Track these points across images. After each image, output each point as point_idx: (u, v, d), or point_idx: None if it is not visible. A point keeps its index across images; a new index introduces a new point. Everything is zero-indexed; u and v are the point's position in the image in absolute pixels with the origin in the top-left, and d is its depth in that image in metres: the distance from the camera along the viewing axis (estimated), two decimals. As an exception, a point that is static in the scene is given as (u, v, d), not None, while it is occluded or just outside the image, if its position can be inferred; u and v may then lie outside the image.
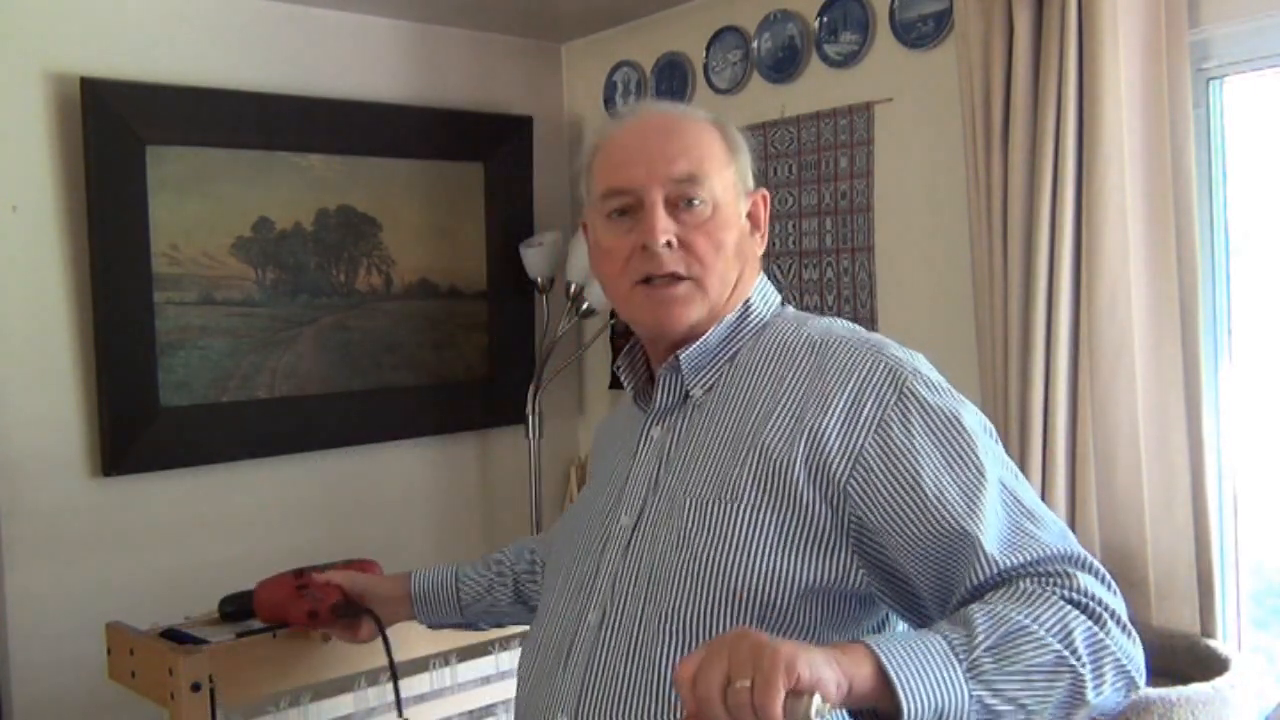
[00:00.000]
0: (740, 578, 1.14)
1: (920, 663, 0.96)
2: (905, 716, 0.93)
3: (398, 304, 3.39)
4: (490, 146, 3.53)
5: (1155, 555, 2.28)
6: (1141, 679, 1.05)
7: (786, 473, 1.15)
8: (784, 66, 3.12)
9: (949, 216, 2.74)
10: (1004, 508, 1.10)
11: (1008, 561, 1.06)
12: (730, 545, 1.15)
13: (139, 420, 2.90)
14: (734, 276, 1.26)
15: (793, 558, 1.14)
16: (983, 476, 1.11)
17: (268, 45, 3.16)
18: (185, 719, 1.77)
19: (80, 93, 2.79)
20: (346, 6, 3.25)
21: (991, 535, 1.07)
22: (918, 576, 1.11)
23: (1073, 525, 2.36)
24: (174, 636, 1.95)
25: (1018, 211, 2.40)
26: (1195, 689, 2.00)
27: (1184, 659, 2.20)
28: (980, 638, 0.99)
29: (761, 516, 1.15)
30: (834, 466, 1.14)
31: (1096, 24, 2.26)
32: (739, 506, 1.16)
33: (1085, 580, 1.05)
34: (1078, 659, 1.00)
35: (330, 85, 3.25)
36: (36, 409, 2.80)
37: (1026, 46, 2.38)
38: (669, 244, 1.21)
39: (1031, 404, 2.36)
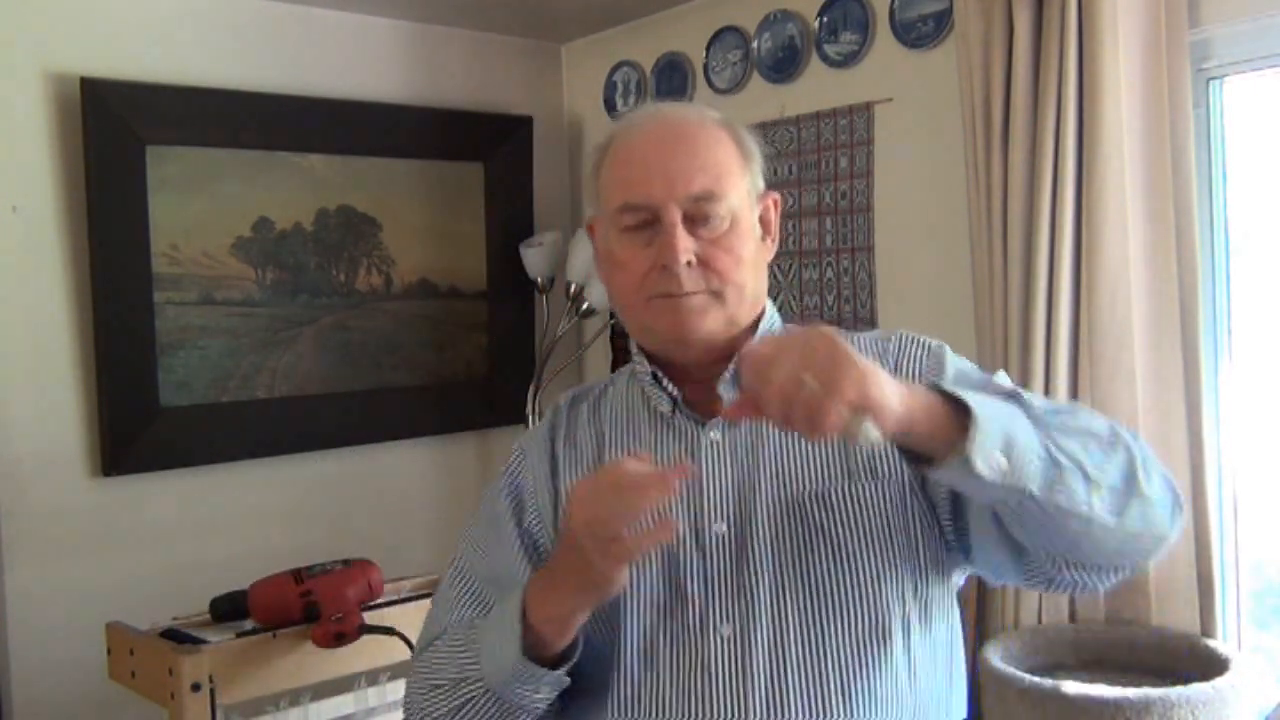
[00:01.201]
0: (885, 558, 1.17)
1: (986, 402, 1.00)
2: (974, 428, 0.95)
3: (398, 304, 3.39)
4: (490, 146, 3.53)
5: (1155, 555, 2.28)
6: (1182, 504, 1.12)
7: (878, 451, 1.21)
8: (784, 66, 3.12)
9: (949, 216, 2.74)
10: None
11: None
12: (866, 528, 1.18)
13: (139, 420, 2.91)
14: (751, 285, 1.25)
15: (910, 527, 1.20)
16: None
17: (268, 45, 3.16)
18: (185, 719, 1.77)
19: (80, 93, 2.79)
20: (346, 6, 3.25)
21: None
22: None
23: (1073, 525, 2.36)
24: (174, 636, 1.95)
25: (1018, 211, 2.40)
26: (1195, 689, 2.00)
27: (1184, 659, 2.20)
28: (1037, 403, 1.08)
29: (880, 493, 1.20)
30: None
31: (1096, 24, 2.26)
32: (860, 488, 1.20)
33: (1126, 432, 1.12)
34: (1131, 440, 1.08)
35: (330, 85, 3.25)
36: (36, 409, 2.80)
37: (1026, 46, 2.38)
38: (689, 263, 1.19)
39: (1031, 404, 2.36)
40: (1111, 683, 2.07)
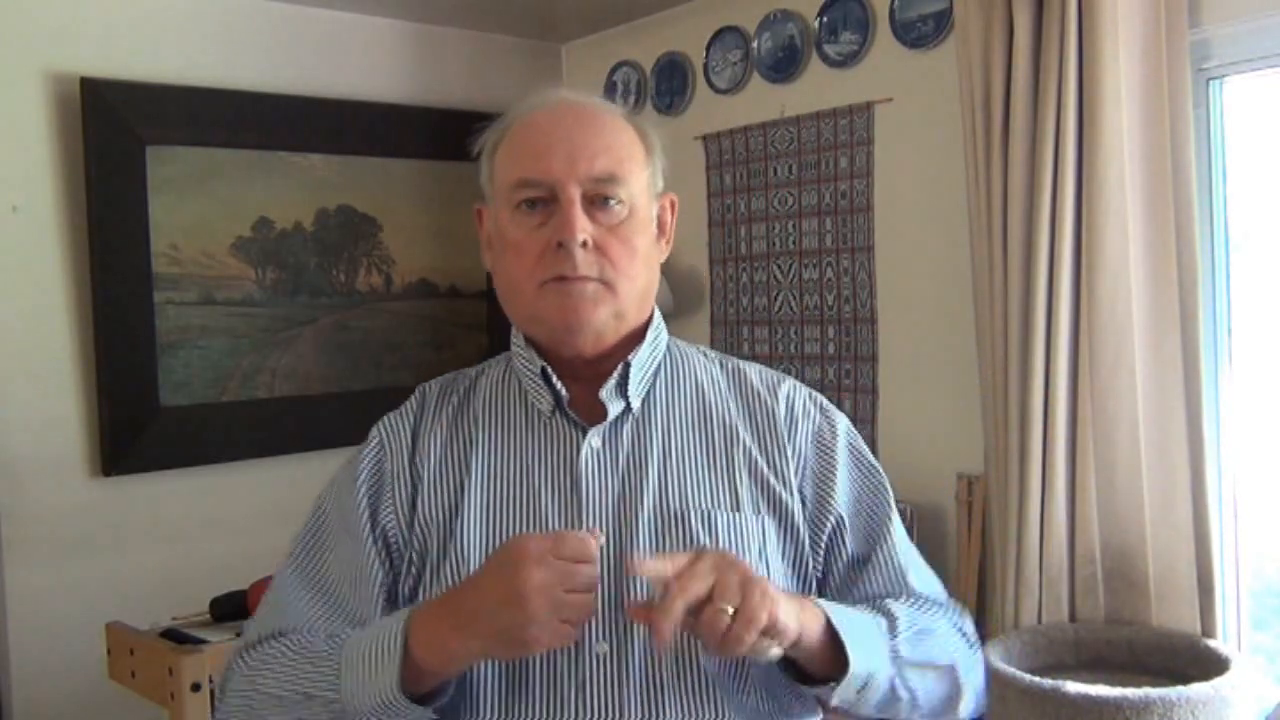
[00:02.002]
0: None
1: (862, 632, 1.11)
2: (851, 671, 1.07)
3: (398, 304, 3.39)
4: (490, 146, 3.53)
5: (1155, 555, 2.28)
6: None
7: (765, 481, 1.21)
8: (784, 66, 3.12)
9: (949, 216, 2.74)
10: (907, 543, 1.29)
11: (915, 589, 1.25)
12: (746, 550, 1.16)
13: (139, 420, 2.91)
14: (643, 281, 1.21)
15: (789, 561, 1.20)
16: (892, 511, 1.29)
17: (268, 45, 3.16)
18: (185, 719, 1.78)
19: (80, 93, 2.79)
20: (346, 6, 3.25)
21: (905, 561, 1.26)
22: (837, 571, 1.25)
23: (1073, 525, 2.36)
24: (174, 636, 1.96)
25: (1018, 211, 2.40)
26: (1195, 689, 2.00)
27: (1184, 659, 2.20)
28: (901, 630, 1.16)
29: (765, 522, 1.19)
30: (789, 471, 1.23)
31: (1096, 24, 2.26)
32: (745, 515, 1.18)
33: (966, 620, 1.27)
34: (962, 671, 1.20)
35: (330, 85, 3.25)
36: (37, 409, 2.80)
37: (1026, 46, 2.38)
38: (585, 244, 1.15)
39: (1031, 404, 2.36)
40: (1111, 683, 2.07)
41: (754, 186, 3.22)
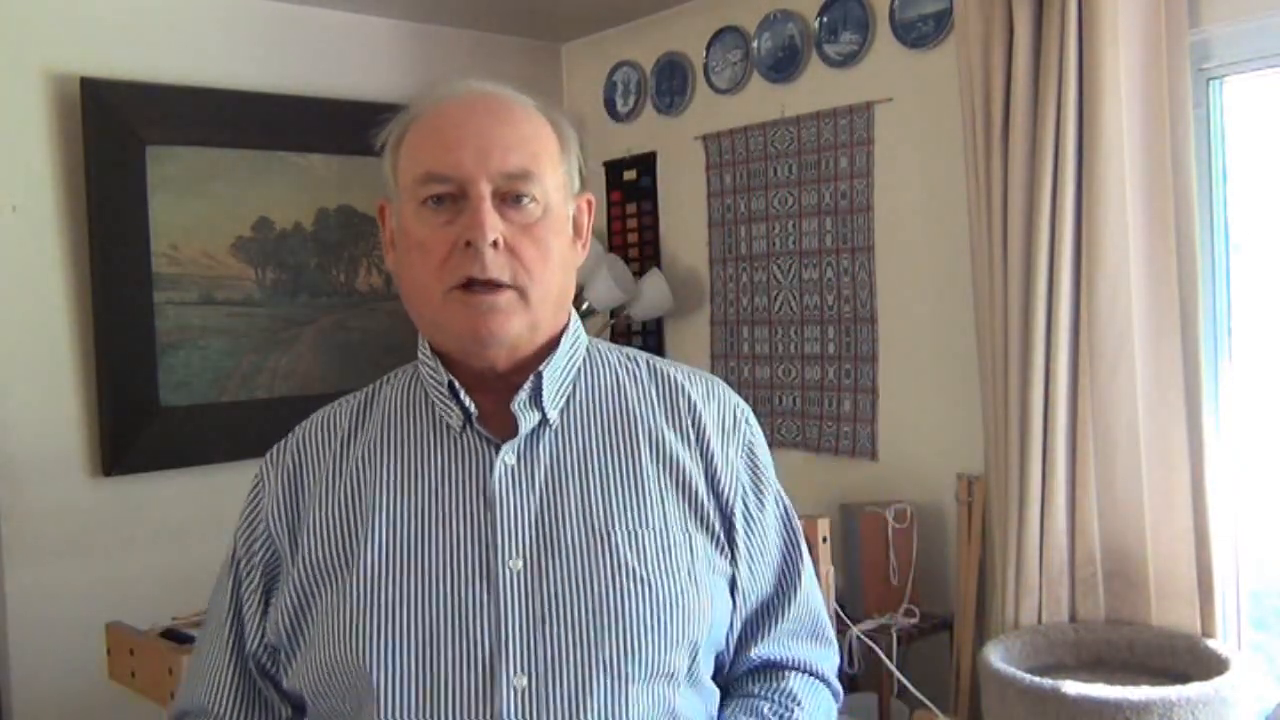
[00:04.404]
0: (690, 604, 1.10)
1: None
2: None
3: (398, 304, 3.36)
4: (490, 146, 3.53)
5: (1155, 555, 2.28)
6: None
7: (695, 493, 1.14)
8: (784, 66, 3.12)
9: (949, 216, 2.74)
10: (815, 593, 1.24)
11: (801, 652, 1.21)
12: (674, 575, 1.10)
13: (139, 420, 2.91)
14: (558, 287, 1.14)
15: (717, 577, 1.15)
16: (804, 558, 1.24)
17: (268, 45, 3.16)
18: (185, 719, 1.77)
19: (80, 93, 2.79)
20: (346, 6, 3.25)
21: (800, 619, 1.22)
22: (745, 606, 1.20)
23: (1073, 525, 2.36)
24: (174, 636, 1.96)
25: (1018, 211, 2.40)
26: (1195, 689, 2.00)
27: (1184, 659, 2.20)
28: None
29: (695, 540, 1.13)
30: (723, 484, 1.17)
31: (1096, 24, 2.26)
32: (673, 533, 1.11)
33: (836, 687, 1.24)
34: None
35: (330, 85, 3.25)
36: (36, 409, 2.80)
37: (1026, 46, 2.38)
38: (496, 243, 1.07)
39: (1031, 404, 2.36)
40: (1111, 683, 2.07)
41: (754, 186, 3.22)
